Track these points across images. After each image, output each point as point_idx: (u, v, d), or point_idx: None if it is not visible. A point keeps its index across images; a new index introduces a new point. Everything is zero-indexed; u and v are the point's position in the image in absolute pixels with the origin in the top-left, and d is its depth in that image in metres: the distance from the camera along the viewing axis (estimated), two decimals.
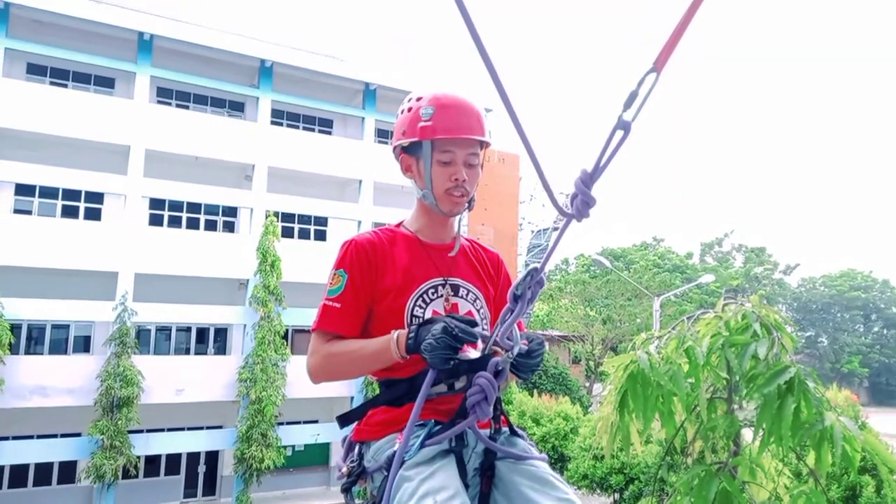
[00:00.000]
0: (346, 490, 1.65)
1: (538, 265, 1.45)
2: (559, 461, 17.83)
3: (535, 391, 22.79)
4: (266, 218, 18.97)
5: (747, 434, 2.68)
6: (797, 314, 54.39)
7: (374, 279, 1.70)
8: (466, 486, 1.57)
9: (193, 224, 20.18)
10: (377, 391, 1.73)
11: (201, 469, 19.86)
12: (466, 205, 1.78)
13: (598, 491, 16.77)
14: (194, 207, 20.08)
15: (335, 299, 1.66)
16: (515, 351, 1.51)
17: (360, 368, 1.62)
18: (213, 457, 19.88)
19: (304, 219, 21.67)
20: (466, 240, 1.92)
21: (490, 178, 27.11)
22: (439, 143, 1.70)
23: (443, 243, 1.80)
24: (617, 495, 16.70)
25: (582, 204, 1.24)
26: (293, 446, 19.73)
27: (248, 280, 19.07)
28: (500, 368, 1.50)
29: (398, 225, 1.87)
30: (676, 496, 2.54)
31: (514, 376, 1.60)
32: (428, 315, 1.68)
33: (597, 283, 34.87)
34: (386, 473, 1.51)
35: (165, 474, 19.42)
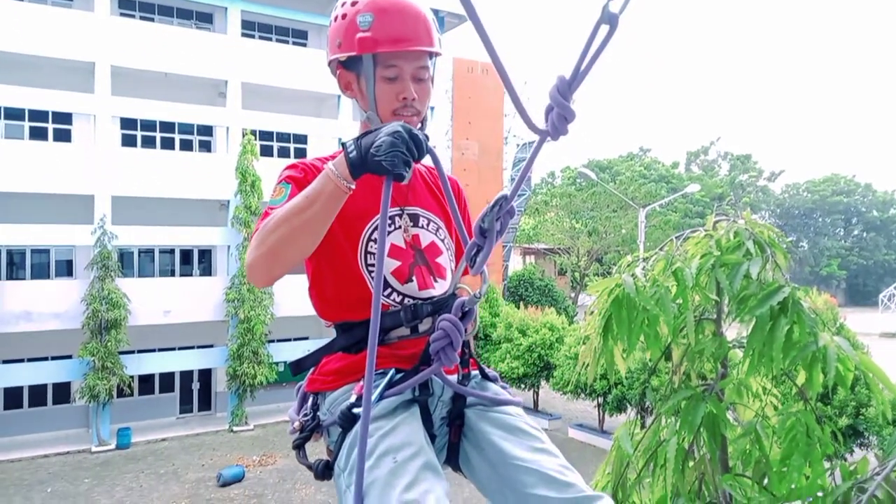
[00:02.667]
0: (299, 447, 1.49)
1: (506, 193, 1.25)
2: (545, 369, 18.36)
3: (521, 303, 23.15)
4: (243, 136, 18.42)
5: (734, 355, 2.60)
6: (780, 220, 54.99)
7: None
8: (433, 437, 1.44)
9: (168, 144, 19.64)
10: None
11: (195, 386, 20.28)
12: (419, 126, 1.54)
13: (583, 395, 17.41)
14: (168, 127, 19.47)
15: (281, 204, 1.38)
16: (484, 290, 1.34)
17: (298, 228, 1.27)
18: (206, 374, 20.26)
19: (284, 137, 21.08)
20: (421, 169, 1.69)
21: (473, 91, 26.27)
22: (382, 57, 1.45)
23: None
24: (601, 399, 17.37)
25: (558, 118, 1.04)
26: (285, 362, 20.09)
27: (228, 201, 18.75)
28: (466, 310, 1.34)
29: (341, 151, 1.66)
30: (660, 420, 2.50)
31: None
32: (385, 247, 1.48)
33: (583, 196, 34.77)
34: (342, 428, 1.37)
35: (160, 392, 19.82)
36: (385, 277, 1.46)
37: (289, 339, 19.77)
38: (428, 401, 1.44)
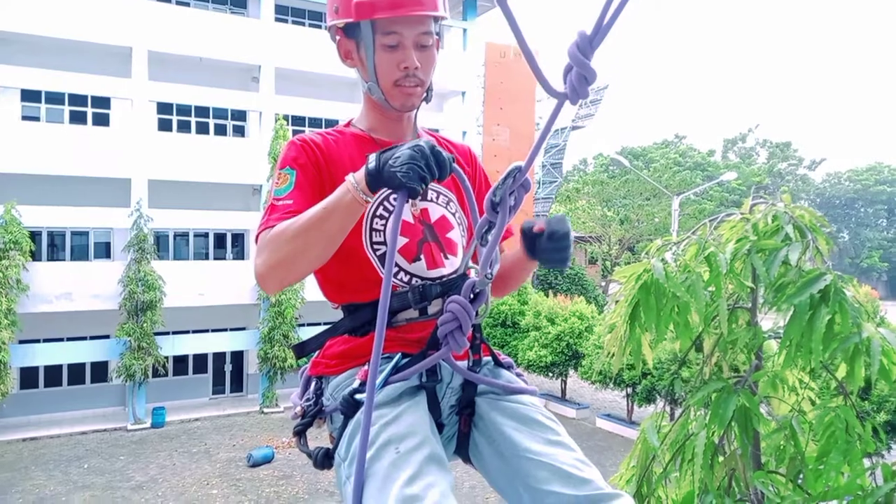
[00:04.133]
0: (300, 433, 1.41)
1: (520, 164, 1.16)
2: (574, 358, 18.17)
3: (550, 291, 22.93)
4: (276, 122, 18.52)
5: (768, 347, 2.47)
6: (820, 210, 53.26)
7: (325, 184, 1.40)
8: (441, 427, 1.37)
9: (203, 129, 19.87)
10: None
11: (228, 368, 20.63)
12: (424, 96, 1.46)
13: (612, 385, 17.19)
14: (203, 112, 19.69)
15: (285, 197, 1.35)
16: (495, 270, 1.25)
17: (314, 239, 1.21)
18: (238, 356, 20.58)
19: (315, 122, 21.15)
20: (430, 134, 1.60)
21: (506, 76, 25.95)
22: (381, 24, 1.37)
23: (399, 140, 1.49)
24: (629, 389, 17.12)
25: (578, 79, 0.94)
26: None
27: (260, 185, 18.92)
28: (476, 291, 1.25)
29: (347, 124, 1.56)
30: (689, 413, 2.39)
31: (528, 262, 1.42)
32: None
33: (615, 184, 34.23)
34: (344, 415, 1.30)
35: (194, 373, 20.20)
36: None
37: (318, 324, 19.92)
38: (436, 388, 1.36)
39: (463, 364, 1.38)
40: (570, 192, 36.63)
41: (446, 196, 1.52)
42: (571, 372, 18.81)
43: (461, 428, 1.40)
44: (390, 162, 1.17)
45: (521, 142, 26.63)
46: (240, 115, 20.28)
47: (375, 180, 1.19)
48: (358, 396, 1.28)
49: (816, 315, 1.99)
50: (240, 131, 20.54)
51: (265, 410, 18.67)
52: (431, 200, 1.48)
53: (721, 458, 2.32)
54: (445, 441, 1.38)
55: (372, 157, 1.21)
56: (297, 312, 18.56)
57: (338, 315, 1.50)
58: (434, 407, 1.34)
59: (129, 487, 13.14)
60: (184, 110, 19.43)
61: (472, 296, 1.25)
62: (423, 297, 1.36)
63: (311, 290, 18.52)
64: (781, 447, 2.41)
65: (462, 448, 1.41)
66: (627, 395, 17.45)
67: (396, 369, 1.30)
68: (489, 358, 1.48)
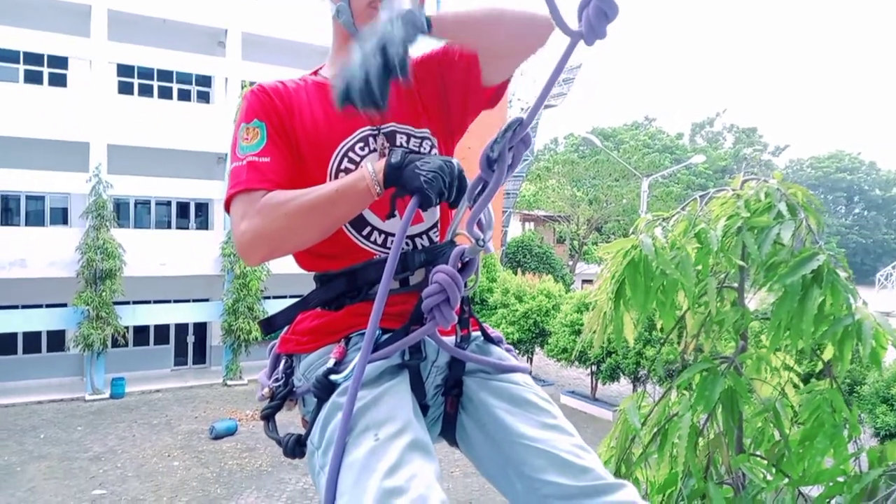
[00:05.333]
0: (268, 417, 1.28)
1: (522, 117, 1.03)
2: (540, 336, 18.31)
3: (518, 269, 23.00)
4: (243, 89, 17.98)
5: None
6: None
7: (288, 134, 1.27)
8: (426, 409, 1.24)
9: (166, 93, 19.21)
10: None
11: (190, 339, 20.27)
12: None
13: (577, 363, 17.39)
14: (166, 76, 19.02)
15: (260, 153, 1.22)
16: (488, 237, 1.12)
17: (317, 221, 1.15)
18: (201, 328, 20.21)
19: None
20: None
21: None
22: None
23: None
24: (594, 367, 17.35)
25: (596, 15, 0.82)
26: None
27: (226, 154, 18.40)
28: (465, 260, 1.14)
29: (314, 72, 1.41)
30: (669, 396, 2.32)
31: None
32: None
33: (585, 164, 34.36)
34: (317, 398, 1.16)
35: (155, 344, 19.80)
36: (362, 213, 1.25)
37: (285, 296, 19.64)
38: (420, 366, 1.23)
39: (450, 340, 1.25)
40: (541, 170, 36.65)
41: (419, 138, 1.34)
42: (537, 349, 18.97)
43: (447, 409, 1.28)
44: (417, 163, 1.12)
45: (493, 117, 26.34)
46: (205, 81, 19.64)
47: (394, 175, 1.12)
48: (333, 377, 1.15)
49: (808, 296, 1.92)
50: (205, 97, 19.91)
51: (228, 383, 18.43)
52: (401, 145, 1.32)
53: (703, 441, 2.26)
54: (430, 423, 1.27)
55: (397, 151, 1.16)
56: (262, 284, 18.27)
57: (308, 286, 1.36)
58: (418, 387, 1.22)
59: (86, 458, 12.85)
60: (146, 73, 18.74)
61: (459, 265, 1.12)
62: (404, 267, 1.23)
63: (277, 261, 18.17)
64: (760, 429, 2.38)
65: (448, 431, 1.30)
66: (592, 373, 17.68)
67: (376, 346, 1.16)
68: (478, 333, 1.36)
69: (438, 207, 1.29)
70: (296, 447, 1.20)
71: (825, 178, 55.09)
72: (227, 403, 16.78)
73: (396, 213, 1.24)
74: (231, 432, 14.50)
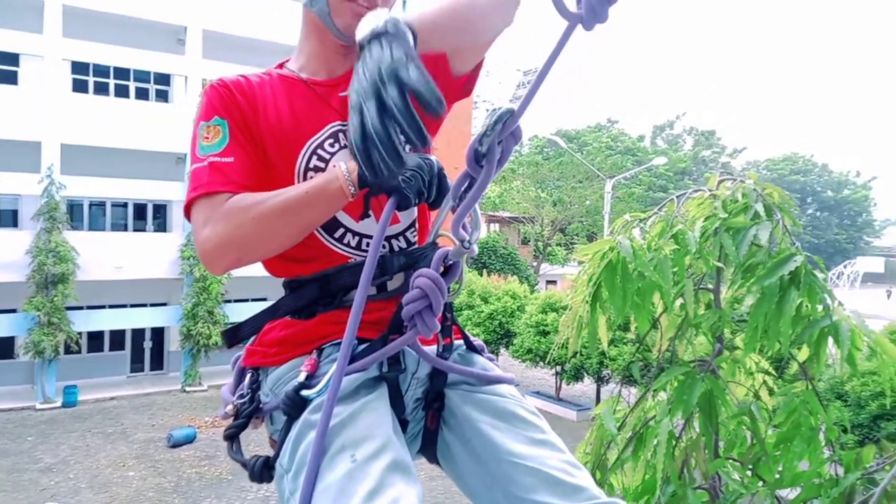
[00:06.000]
0: (231, 438, 1.16)
1: (513, 108, 0.94)
2: (506, 336, 18.34)
3: (484, 271, 23.03)
4: (203, 87, 17.56)
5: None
6: None
7: (252, 132, 1.17)
8: (405, 423, 1.16)
9: (122, 92, 18.66)
10: None
11: (147, 345, 19.72)
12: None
13: (541, 364, 17.49)
14: (122, 74, 18.48)
15: (222, 153, 1.12)
16: (475, 238, 1.04)
17: (286, 226, 1.06)
18: (159, 333, 19.69)
19: None
20: None
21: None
22: None
23: (334, 77, 1.25)
24: (559, 367, 17.47)
25: None
26: None
27: (185, 154, 17.96)
28: (449, 263, 1.06)
29: (279, 66, 1.31)
30: (646, 399, 2.28)
31: None
32: None
33: (549, 165, 34.63)
34: (287, 415, 1.07)
35: (110, 350, 19.22)
36: (335, 215, 1.16)
37: (246, 300, 19.27)
38: (399, 378, 1.14)
39: (431, 350, 1.17)
40: (505, 172, 36.79)
41: None
42: (502, 350, 19.00)
43: (427, 424, 1.20)
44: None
45: (459, 119, 26.42)
46: (163, 79, 19.16)
47: (366, 178, 1.04)
48: (305, 393, 1.05)
49: (786, 298, 1.90)
50: (163, 96, 19.42)
51: (187, 389, 17.97)
52: None
53: (680, 445, 2.23)
54: (409, 440, 1.18)
55: None
56: (223, 288, 17.88)
57: (271, 291, 1.26)
58: (396, 401, 1.13)
59: (37, 469, 12.36)
60: (101, 71, 18.17)
61: (442, 268, 1.04)
62: (381, 271, 1.14)
63: None
64: (732, 432, 2.35)
65: (428, 447, 1.21)
66: (556, 373, 17.79)
67: (352, 358, 1.06)
68: (461, 341, 1.27)
69: (416, 207, 1.20)
70: (263, 470, 1.10)
71: (780, 179, 56.62)
72: (186, 410, 16.36)
73: (371, 213, 1.15)
74: (190, 440, 14.13)
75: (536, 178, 34.47)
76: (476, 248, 1.05)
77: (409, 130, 0.86)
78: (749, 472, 2.16)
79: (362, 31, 0.93)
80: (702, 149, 54.43)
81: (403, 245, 1.22)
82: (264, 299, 19.47)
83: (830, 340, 1.98)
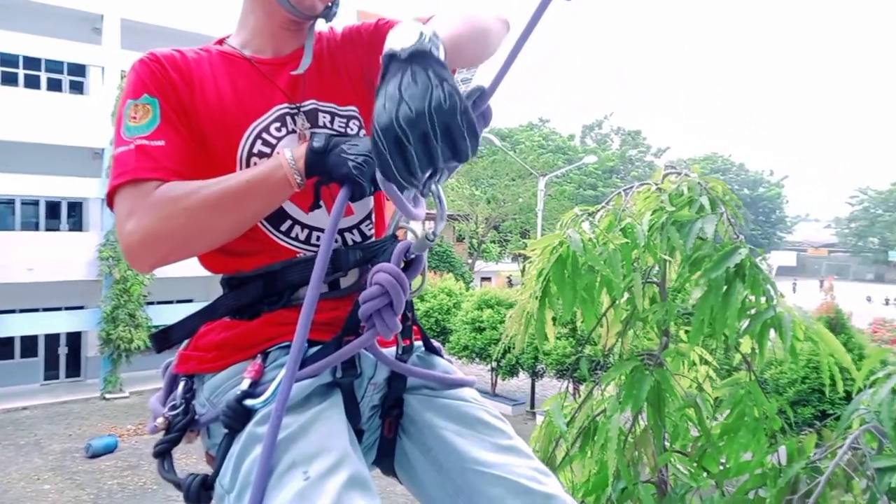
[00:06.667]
0: (162, 454, 1.03)
1: (484, 86, 0.87)
2: (442, 334, 18.34)
3: None
4: (122, 79, 16.69)
5: None
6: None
7: (188, 113, 1.06)
8: (360, 433, 1.06)
9: (33, 83, 17.54)
10: None
11: (63, 351, 18.62)
12: (329, 4, 1.14)
13: (477, 360, 17.60)
14: (33, 64, 17.36)
15: (152, 136, 1.01)
16: (439, 229, 0.96)
17: (223, 218, 0.97)
18: (75, 338, 18.62)
19: None
20: (321, 36, 1.22)
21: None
22: None
23: (282, 56, 1.16)
24: (494, 363, 17.63)
25: None
26: (166, 325, 18.78)
27: (102, 149, 17.02)
28: (410, 257, 0.98)
29: (219, 42, 1.20)
30: (594, 394, 2.27)
31: None
32: None
33: (484, 163, 34.89)
34: (228, 428, 0.95)
35: (22, 357, 18.03)
36: (282, 206, 1.06)
37: (171, 302, 18.48)
38: (354, 384, 1.04)
39: (390, 352, 1.07)
40: None
41: (345, 117, 1.16)
42: None
43: (384, 433, 1.10)
44: (344, 147, 0.96)
45: None
46: (78, 70, 18.10)
47: (317, 163, 0.96)
48: (249, 402, 0.94)
49: (732, 290, 1.92)
50: (78, 88, 18.35)
51: (107, 396, 17.07)
52: (324, 126, 1.13)
53: (630, 440, 2.22)
54: (364, 451, 1.08)
55: (320, 135, 0.99)
56: (145, 289, 17.07)
57: (198, 292, 1.14)
58: (351, 410, 1.03)
59: None
60: (9, 61, 16.99)
61: (403, 263, 0.96)
62: (335, 267, 1.04)
63: None
64: (677, 425, 2.37)
65: (385, 458, 1.12)
66: (492, 369, 17.93)
67: (302, 362, 0.96)
68: (420, 343, 1.18)
69: (372, 197, 1.11)
70: (201, 491, 0.98)
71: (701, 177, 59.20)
72: (106, 419, 15.53)
73: (322, 204, 1.05)
74: (110, 449, 13.40)
75: (471, 176, 34.65)
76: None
77: (435, 179, 0.85)
78: (695, 465, 2.18)
79: (399, 41, 0.82)
80: (629, 148, 56.17)
81: (358, 238, 1.13)
82: (191, 301, 18.71)
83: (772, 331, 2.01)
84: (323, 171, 0.96)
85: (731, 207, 2.15)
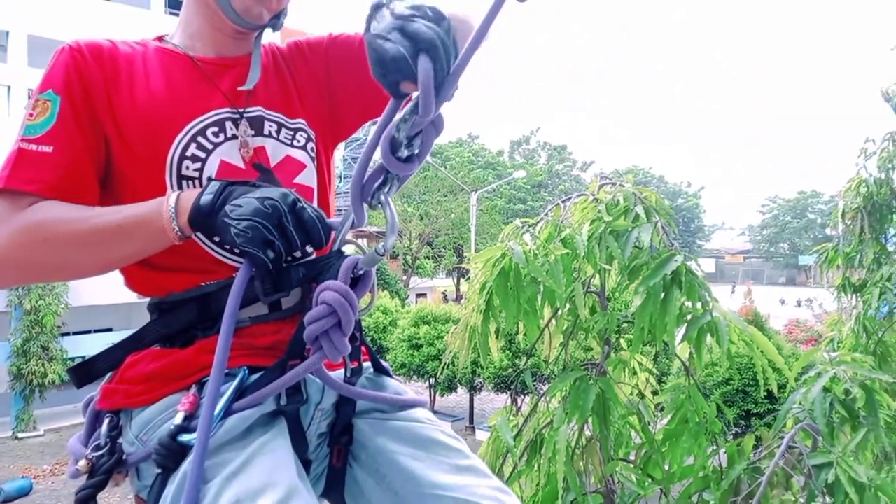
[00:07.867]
0: (86, 500, 0.93)
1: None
2: (379, 352, 18.08)
3: None
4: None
5: None
6: None
7: (108, 109, 0.98)
8: (308, 463, 1.00)
9: None
10: None
11: None
12: (278, 13, 1.08)
13: (415, 377, 17.48)
14: None
15: (41, 139, 0.93)
16: (390, 243, 0.91)
17: (90, 258, 0.90)
18: None
19: None
20: (267, 48, 1.17)
21: None
22: None
23: (225, 57, 1.09)
24: (432, 380, 17.56)
25: None
26: (84, 357, 17.69)
27: None
28: (359, 273, 0.92)
29: (157, 39, 1.12)
30: (537, 410, 2.25)
31: None
32: (212, 168, 0.99)
33: (415, 179, 34.98)
34: (161, 467, 0.86)
35: None
36: None
37: (88, 332, 17.47)
38: (300, 412, 0.97)
39: (338, 375, 1.01)
40: None
41: (292, 127, 1.10)
42: None
43: (333, 462, 1.03)
44: (228, 209, 0.85)
45: None
46: None
47: (202, 222, 0.86)
48: (183, 438, 0.86)
49: (669, 297, 1.95)
50: None
51: (19, 436, 15.92)
52: (269, 135, 1.07)
53: (577, 451, 2.22)
54: (312, 482, 1.01)
55: (213, 187, 0.88)
56: (59, 320, 16.06)
57: (118, 321, 1.05)
58: (298, 439, 0.96)
59: None
60: None
61: (352, 279, 0.90)
62: (276, 287, 0.95)
63: (77, 293, 16.12)
64: (620, 433, 2.39)
65: (333, 489, 1.04)
66: (430, 386, 17.85)
67: (241, 391, 0.89)
68: (368, 363, 1.12)
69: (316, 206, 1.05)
70: None
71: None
72: (19, 459, 14.47)
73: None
74: (24, 493, 12.47)
75: (402, 192, 34.65)
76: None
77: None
78: (640, 472, 2.20)
79: None
80: (555, 162, 57.63)
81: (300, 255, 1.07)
82: (110, 330, 17.75)
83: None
84: (209, 233, 0.89)
85: (664, 216, 2.20)
